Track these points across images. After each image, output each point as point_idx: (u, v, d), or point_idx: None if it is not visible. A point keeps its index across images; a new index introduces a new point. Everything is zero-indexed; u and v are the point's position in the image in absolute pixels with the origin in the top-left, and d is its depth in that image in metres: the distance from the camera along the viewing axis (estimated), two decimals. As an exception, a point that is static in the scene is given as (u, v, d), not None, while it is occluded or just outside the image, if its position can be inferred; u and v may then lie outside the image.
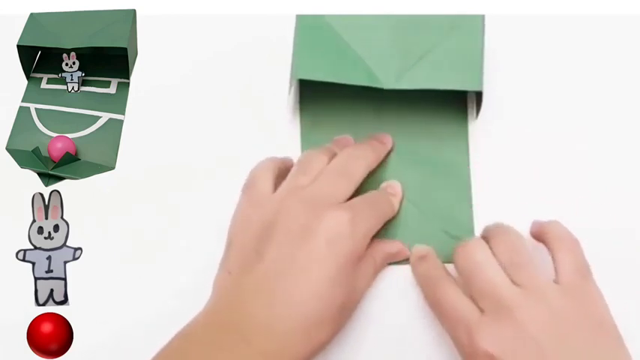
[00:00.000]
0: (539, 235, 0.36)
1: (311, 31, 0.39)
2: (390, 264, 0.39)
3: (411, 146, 0.41)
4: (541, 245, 0.36)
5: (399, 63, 0.38)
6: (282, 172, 0.38)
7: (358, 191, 0.37)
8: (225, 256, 0.36)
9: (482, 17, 0.38)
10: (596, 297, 0.33)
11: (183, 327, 0.33)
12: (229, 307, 0.33)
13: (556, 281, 0.33)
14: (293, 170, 0.38)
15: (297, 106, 0.42)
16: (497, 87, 0.41)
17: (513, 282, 0.33)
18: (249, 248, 0.34)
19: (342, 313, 0.34)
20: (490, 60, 0.40)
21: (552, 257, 0.34)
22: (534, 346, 0.31)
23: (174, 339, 0.33)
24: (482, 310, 0.33)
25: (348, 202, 0.36)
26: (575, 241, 0.35)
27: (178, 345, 0.32)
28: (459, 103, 0.41)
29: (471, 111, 0.41)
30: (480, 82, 0.38)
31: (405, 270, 0.39)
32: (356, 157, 0.38)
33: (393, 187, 0.40)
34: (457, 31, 0.38)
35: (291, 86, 0.40)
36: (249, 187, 0.37)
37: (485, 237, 0.37)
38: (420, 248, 0.39)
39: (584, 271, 0.34)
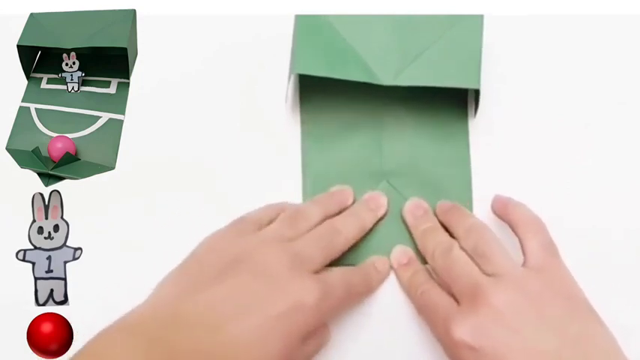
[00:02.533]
0: (503, 216, 0.37)
1: (310, 28, 0.39)
2: None
3: (412, 144, 0.41)
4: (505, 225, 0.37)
5: (397, 60, 0.38)
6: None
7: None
8: (186, 264, 0.35)
9: (481, 17, 0.39)
10: (565, 274, 0.34)
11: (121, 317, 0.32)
12: (172, 314, 0.31)
13: (524, 263, 0.34)
14: (283, 218, 0.37)
15: (297, 105, 0.42)
16: (497, 86, 0.41)
17: (483, 271, 0.34)
18: (214, 268, 0.33)
19: None
20: (491, 59, 0.40)
21: (520, 241, 0.35)
22: (510, 329, 0.31)
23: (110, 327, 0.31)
24: (459, 303, 0.34)
25: (325, 275, 0.35)
26: (541, 223, 0.36)
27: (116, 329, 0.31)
28: (460, 101, 0.41)
29: (471, 109, 0.41)
30: (478, 80, 0.38)
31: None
32: (339, 232, 0.37)
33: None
34: (456, 30, 0.38)
35: (289, 83, 0.40)
36: (239, 219, 0.37)
37: (447, 222, 0.38)
38: (400, 255, 0.39)
39: (551, 250, 0.35)
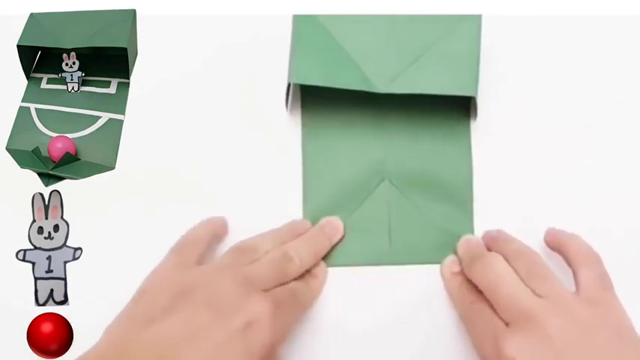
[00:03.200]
0: (557, 247, 0.37)
1: (307, 34, 0.39)
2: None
3: (413, 144, 0.41)
4: (554, 255, 0.37)
5: (393, 66, 0.38)
6: (215, 239, 0.39)
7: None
8: (133, 301, 0.34)
9: (479, 17, 0.38)
10: (618, 309, 0.33)
11: None
12: (121, 350, 0.30)
13: (577, 293, 0.34)
14: (233, 251, 0.37)
15: (298, 105, 0.42)
16: (497, 86, 0.41)
17: (535, 293, 0.33)
18: (161, 302, 0.32)
19: None
20: (491, 59, 0.40)
21: (573, 271, 0.35)
22: (559, 354, 0.31)
23: None
24: (507, 323, 0.33)
25: (273, 291, 0.34)
26: (596, 255, 0.35)
27: None
28: (461, 102, 0.41)
29: (473, 111, 0.41)
30: (475, 87, 0.38)
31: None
32: (291, 258, 0.36)
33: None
34: (453, 33, 0.38)
35: (288, 89, 0.40)
36: (177, 251, 0.37)
37: (494, 249, 0.37)
38: (452, 263, 0.39)
39: (606, 283, 0.34)
